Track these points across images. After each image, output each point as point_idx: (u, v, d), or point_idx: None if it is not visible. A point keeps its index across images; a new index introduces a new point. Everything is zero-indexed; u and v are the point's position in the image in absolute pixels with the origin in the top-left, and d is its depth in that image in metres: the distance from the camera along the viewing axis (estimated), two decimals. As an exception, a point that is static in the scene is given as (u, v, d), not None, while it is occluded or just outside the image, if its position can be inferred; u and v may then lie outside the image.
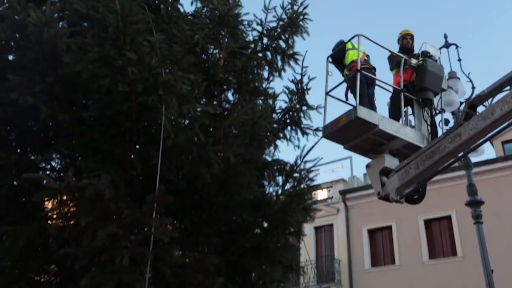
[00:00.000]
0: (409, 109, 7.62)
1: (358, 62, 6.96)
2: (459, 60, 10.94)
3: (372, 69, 7.91)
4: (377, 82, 7.70)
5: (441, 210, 20.28)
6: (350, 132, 6.51)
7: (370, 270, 21.53)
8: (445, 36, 11.17)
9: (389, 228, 21.36)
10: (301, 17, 7.76)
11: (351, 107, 6.67)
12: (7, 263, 5.15)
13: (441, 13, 59.94)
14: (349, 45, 7.94)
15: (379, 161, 6.55)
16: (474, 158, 10.88)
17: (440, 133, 7.35)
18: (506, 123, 5.05)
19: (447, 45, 11.08)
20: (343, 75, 7.97)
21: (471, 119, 5.27)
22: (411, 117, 7.56)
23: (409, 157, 6.15)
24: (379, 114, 6.77)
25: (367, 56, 8.08)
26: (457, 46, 11.04)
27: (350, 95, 7.60)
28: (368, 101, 7.41)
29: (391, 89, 7.74)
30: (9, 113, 5.05)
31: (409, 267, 20.35)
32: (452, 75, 10.64)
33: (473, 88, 10.68)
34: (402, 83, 7.32)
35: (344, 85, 7.69)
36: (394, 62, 7.91)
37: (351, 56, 7.79)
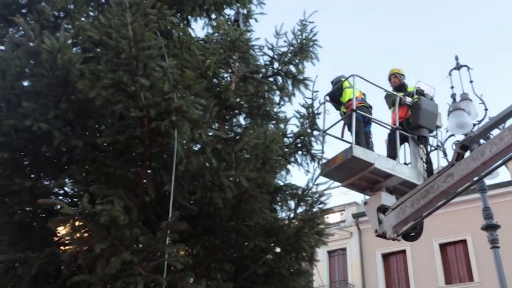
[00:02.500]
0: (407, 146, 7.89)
1: (354, 101, 7.21)
2: (471, 81, 10.89)
3: (369, 108, 8.19)
4: (368, 121, 7.98)
5: (456, 234, 20.00)
6: (347, 171, 6.74)
7: (384, 295, 21.20)
8: (456, 58, 11.15)
9: (403, 252, 21.08)
10: (311, 43, 7.81)
11: (348, 145, 6.86)
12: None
13: (452, 34, 60.11)
14: (346, 84, 8.19)
15: (376, 199, 6.71)
16: (488, 181, 10.75)
17: (436, 166, 7.56)
18: (499, 162, 5.18)
19: (458, 67, 11.05)
20: (340, 114, 8.21)
21: (462, 160, 5.41)
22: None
23: (405, 195, 6.27)
24: (375, 153, 7.03)
25: (364, 94, 8.35)
26: (468, 68, 11.00)
27: (347, 133, 7.82)
28: (364, 139, 7.65)
29: (388, 126, 7.95)
30: (24, 139, 5.08)
31: (424, 293, 20.01)
32: (464, 97, 10.59)
33: (486, 110, 10.60)
34: (397, 121, 7.55)
35: (341, 121, 7.90)
36: (390, 100, 8.19)
37: (348, 94, 8.04)
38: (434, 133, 7.90)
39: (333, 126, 7.47)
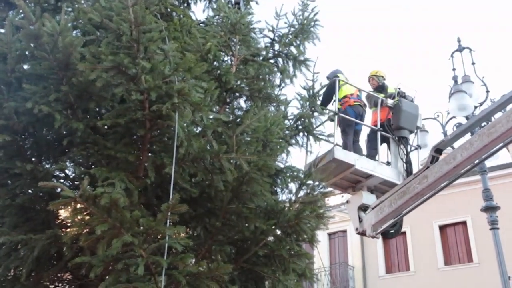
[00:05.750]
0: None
1: (336, 103, 7.60)
2: (473, 63, 10.89)
3: (363, 106, 8.33)
4: (362, 119, 8.29)
5: (456, 216, 20.13)
6: (329, 171, 6.96)
7: (384, 276, 21.40)
8: (459, 40, 11.13)
9: (403, 233, 21.21)
10: (312, 24, 7.78)
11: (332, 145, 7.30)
12: (22, 271, 5.19)
13: (455, 15, 59.63)
14: (342, 81, 8.28)
15: (357, 198, 7.01)
16: (489, 162, 10.79)
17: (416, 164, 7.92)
18: (470, 165, 5.39)
19: (460, 49, 11.03)
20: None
21: (436, 163, 5.54)
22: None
23: (383, 195, 6.44)
24: (356, 154, 7.32)
25: (360, 91, 8.45)
26: (470, 50, 10.99)
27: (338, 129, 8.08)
28: (352, 139, 7.90)
29: (370, 127, 8.27)
30: (24, 122, 5.09)
31: (424, 274, 20.20)
32: (466, 79, 10.59)
33: (488, 92, 10.61)
34: (378, 122, 7.79)
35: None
36: (372, 101, 8.39)
37: (344, 91, 8.18)
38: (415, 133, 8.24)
39: (320, 125, 7.73)
